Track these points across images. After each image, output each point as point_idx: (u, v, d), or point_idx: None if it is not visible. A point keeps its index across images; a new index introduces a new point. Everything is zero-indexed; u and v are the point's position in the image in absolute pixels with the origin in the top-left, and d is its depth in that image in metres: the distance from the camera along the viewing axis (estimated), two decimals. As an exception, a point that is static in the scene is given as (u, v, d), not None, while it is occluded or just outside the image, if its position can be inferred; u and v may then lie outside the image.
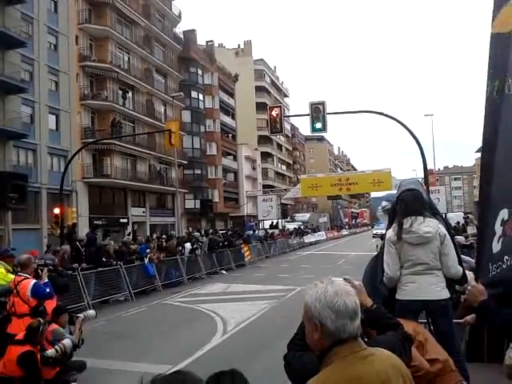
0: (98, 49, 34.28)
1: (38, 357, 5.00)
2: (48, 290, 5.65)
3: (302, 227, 51.94)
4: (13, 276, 5.91)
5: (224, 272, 22.11)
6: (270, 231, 38.48)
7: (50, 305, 5.65)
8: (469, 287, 2.77)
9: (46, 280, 5.99)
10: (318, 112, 17.51)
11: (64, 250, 12.17)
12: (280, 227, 44.07)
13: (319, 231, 56.37)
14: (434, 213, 4.24)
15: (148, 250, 16.51)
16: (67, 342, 5.45)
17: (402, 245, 3.92)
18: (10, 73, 25.40)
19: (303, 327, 1.96)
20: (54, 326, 5.66)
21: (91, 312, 7.16)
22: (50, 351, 5.16)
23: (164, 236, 21.22)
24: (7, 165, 24.85)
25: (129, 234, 21.93)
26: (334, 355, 1.75)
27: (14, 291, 5.34)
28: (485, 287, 2.70)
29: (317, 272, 18.68)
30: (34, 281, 5.60)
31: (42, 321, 5.13)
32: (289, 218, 57.69)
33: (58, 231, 18.09)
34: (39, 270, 6.24)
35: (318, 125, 17.45)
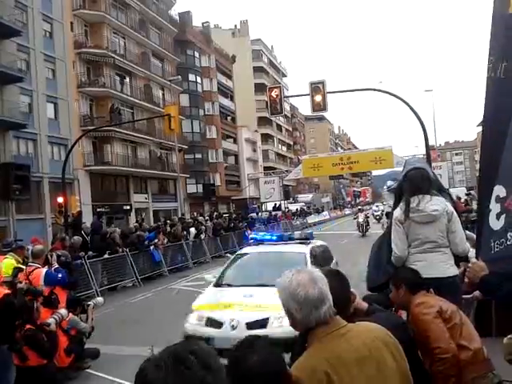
0: (94, 35, 33.90)
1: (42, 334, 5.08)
2: (60, 276, 5.70)
3: (304, 208, 52.12)
4: (23, 266, 5.97)
5: (229, 255, 22.18)
6: (273, 213, 38.60)
7: (62, 294, 5.71)
8: (469, 264, 2.80)
9: (57, 265, 6.05)
10: (317, 91, 17.38)
11: (75, 241, 12.26)
12: (283, 209, 44.16)
13: (322, 211, 56.54)
14: (441, 190, 4.26)
15: (156, 241, 16.57)
16: (63, 310, 5.58)
17: (409, 224, 3.94)
18: (6, 62, 25.18)
19: None
20: (70, 315, 5.74)
21: (99, 299, 7.28)
22: (50, 320, 5.29)
23: (168, 221, 21.32)
24: (8, 155, 24.82)
25: (137, 222, 22.02)
26: (311, 338, 1.82)
27: (27, 281, 5.39)
28: (487, 264, 2.72)
29: (321, 252, 18.77)
30: (46, 269, 5.65)
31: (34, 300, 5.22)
32: (291, 199, 57.76)
33: (62, 220, 18.15)
34: (49, 256, 6.30)
35: (318, 98, 17.19)
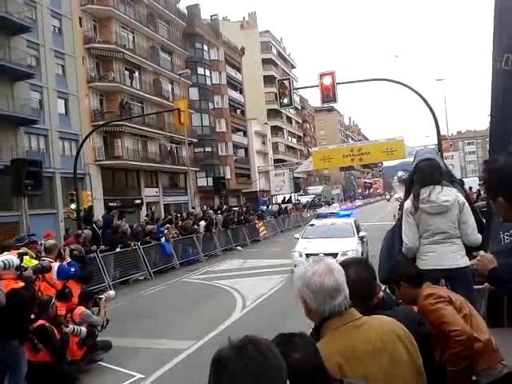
0: (102, 30, 33.98)
1: (55, 330, 5.10)
2: (73, 270, 5.74)
3: (315, 200, 52.02)
4: (36, 262, 6.02)
5: (240, 248, 22.31)
6: (284, 206, 38.56)
7: (76, 288, 5.76)
8: (478, 257, 2.77)
9: (69, 259, 6.10)
10: (327, 82, 17.24)
11: (86, 234, 12.38)
12: (293, 201, 44.09)
13: (333, 203, 56.38)
14: (452, 181, 4.21)
15: (166, 231, 16.69)
16: (83, 329, 5.66)
17: (420, 215, 3.91)
18: (16, 59, 25.34)
19: None
20: (82, 308, 5.80)
21: (111, 293, 7.36)
22: (68, 329, 5.36)
23: (179, 215, 21.39)
24: (20, 151, 25.00)
25: (147, 216, 22.10)
26: (326, 328, 1.82)
27: (40, 276, 5.44)
28: (496, 256, 2.69)
29: (332, 244, 18.73)
30: (58, 263, 5.70)
31: (52, 296, 5.24)
32: (301, 191, 57.65)
33: (75, 215, 18.31)
34: (61, 250, 6.34)
35: (328, 89, 17.12)
